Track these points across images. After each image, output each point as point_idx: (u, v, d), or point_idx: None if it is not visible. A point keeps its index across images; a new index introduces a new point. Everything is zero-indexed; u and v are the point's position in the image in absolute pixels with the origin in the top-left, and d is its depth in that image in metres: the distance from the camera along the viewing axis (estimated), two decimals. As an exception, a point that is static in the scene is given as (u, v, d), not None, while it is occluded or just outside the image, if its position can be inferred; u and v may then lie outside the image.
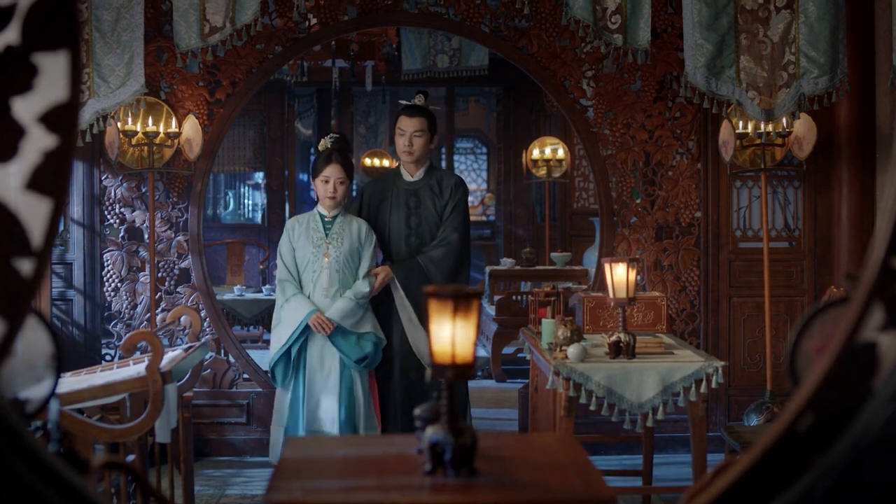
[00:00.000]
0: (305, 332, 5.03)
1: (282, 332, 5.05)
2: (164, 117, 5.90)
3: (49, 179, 1.60)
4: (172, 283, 6.12)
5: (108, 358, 6.00)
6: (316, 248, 5.07)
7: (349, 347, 5.03)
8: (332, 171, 5.06)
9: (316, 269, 5.07)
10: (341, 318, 5.01)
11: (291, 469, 2.30)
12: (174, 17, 5.55)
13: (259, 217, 13.04)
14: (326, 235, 5.09)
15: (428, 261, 5.17)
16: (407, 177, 5.32)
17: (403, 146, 5.23)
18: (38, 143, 1.61)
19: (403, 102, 5.41)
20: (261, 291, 8.18)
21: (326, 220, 5.13)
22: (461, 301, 2.27)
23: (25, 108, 1.61)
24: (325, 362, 5.04)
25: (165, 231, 6.10)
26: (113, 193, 6.08)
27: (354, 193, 9.48)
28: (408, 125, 5.23)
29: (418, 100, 5.33)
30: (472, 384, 6.05)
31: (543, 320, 4.71)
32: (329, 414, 5.00)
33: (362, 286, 5.07)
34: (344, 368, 5.03)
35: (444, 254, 5.18)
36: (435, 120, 5.31)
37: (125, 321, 6.06)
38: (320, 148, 5.18)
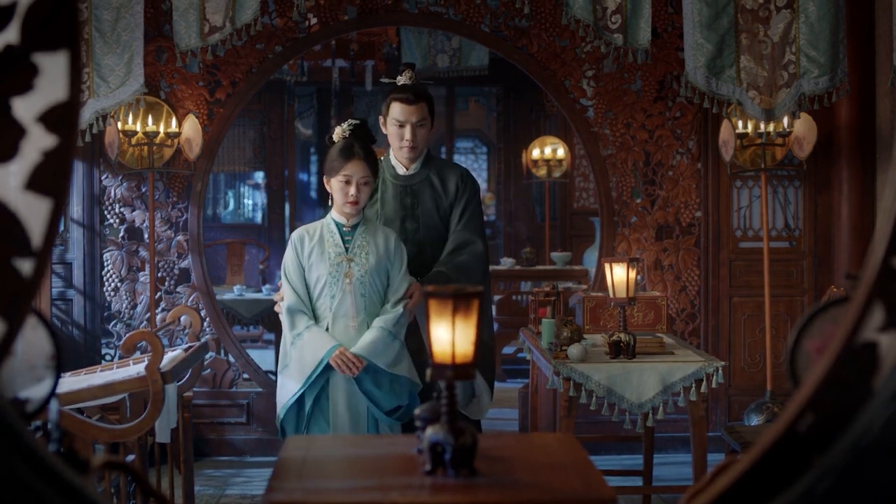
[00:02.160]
0: (325, 375, 3.95)
1: (292, 377, 3.96)
2: (164, 117, 5.90)
3: (49, 179, 1.60)
4: (172, 283, 6.12)
5: (108, 358, 6.00)
6: (335, 267, 3.99)
7: (381, 394, 3.96)
8: (353, 170, 3.99)
9: (335, 294, 3.98)
10: (373, 354, 3.92)
11: (291, 469, 2.30)
12: (174, 17, 5.55)
13: (259, 217, 13.05)
14: (347, 250, 4.02)
15: (456, 271, 4.21)
16: (401, 169, 4.42)
17: (405, 141, 4.33)
18: (38, 142, 1.61)
19: (386, 81, 4.54)
20: (261, 291, 8.18)
21: (345, 229, 4.06)
22: (461, 301, 2.27)
23: (25, 108, 1.61)
24: (355, 413, 3.95)
25: (165, 231, 6.10)
26: (113, 193, 6.08)
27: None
28: (408, 114, 4.30)
29: (407, 77, 4.37)
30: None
31: (543, 320, 4.71)
32: None
33: (396, 313, 3.99)
34: (375, 421, 3.99)
35: (470, 262, 4.25)
36: (433, 102, 4.43)
37: (125, 321, 6.06)
38: (335, 138, 4.11)
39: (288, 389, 3.97)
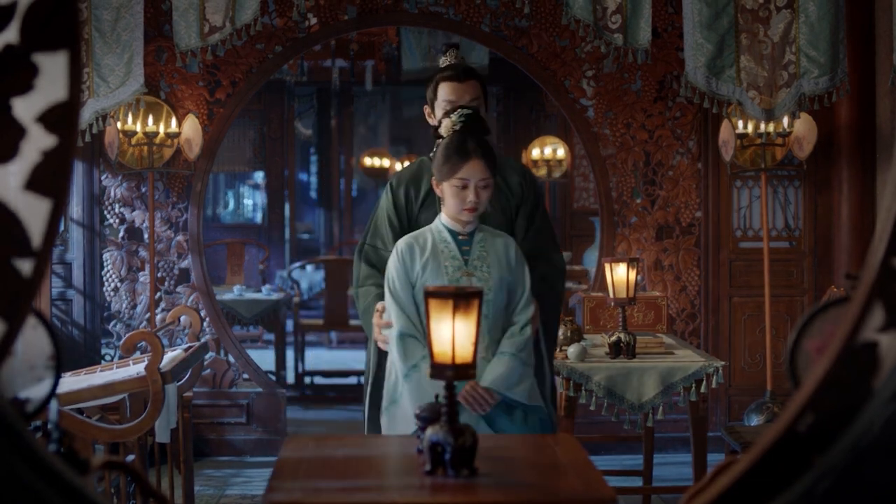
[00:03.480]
0: None
1: (406, 416, 3.21)
2: (163, 117, 5.90)
3: (49, 179, 1.60)
4: (172, 283, 6.12)
5: (107, 358, 6.00)
6: (453, 284, 3.28)
7: (517, 430, 3.31)
8: (471, 172, 3.30)
9: None
10: (507, 386, 3.26)
11: (291, 469, 2.30)
12: (174, 17, 5.55)
13: (259, 217, 13.05)
14: (466, 263, 3.35)
15: (540, 283, 3.50)
16: None
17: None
18: (38, 142, 1.61)
19: (426, 66, 3.67)
20: (260, 291, 8.19)
21: (461, 238, 3.39)
22: (461, 301, 2.27)
23: (25, 108, 1.61)
24: None
25: (165, 231, 6.10)
26: (113, 193, 6.08)
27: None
28: (460, 93, 3.62)
29: (451, 57, 3.76)
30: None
31: (543, 320, 4.70)
32: None
33: (525, 336, 3.32)
34: None
35: (554, 273, 3.61)
36: (485, 82, 3.77)
37: (125, 321, 6.06)
38: (443, 131, 3.40)
39: (402, 431, 3.24)
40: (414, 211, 3.65)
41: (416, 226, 3.59)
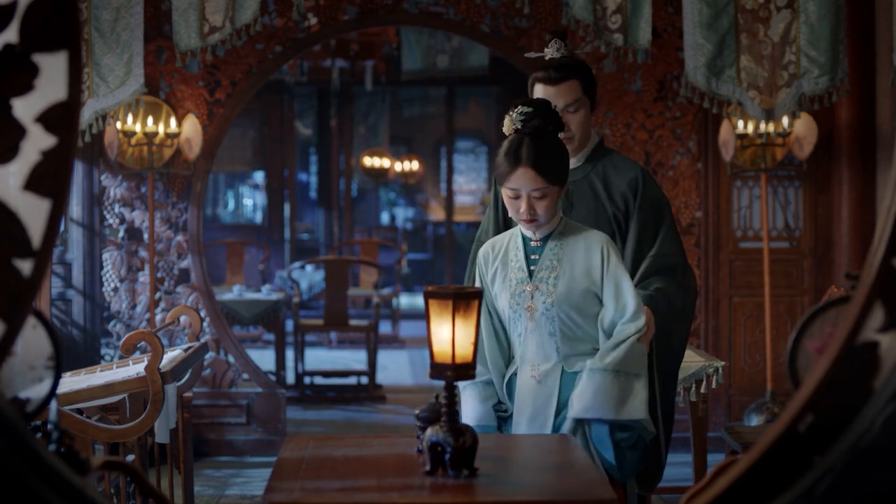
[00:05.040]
0: None
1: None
2: (163, 117, 5.90)
3: (49, 180, 1.60)
4: (172, 283, 6.12)
5: (107, 358, 6.00)
6: (514, 298, 2.98)
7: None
8: (521, 181, 2.90)
9: (520, 331, 2.98)
10: (605, 409, 2.87)
11: (291, 469, 2.30)
12: (174, 17, 5.55)
13: (259, 217, 13.06)
14: (531, 275, 2.98)
15: (656, 294, 3.21)
16: None
17: None
18: (37, 142, 1.61)
19: (533, 55, 3.59)
20: (260, 291, 8.19)
21: (532, 245, 3.02)
22: (461, 301, 2.27)
23: (25, 108, 1.61)
24: None
25: (165, 231, 6.10)
26: (112, 193, 6.08)
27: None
28: (553, 97, 3.20)
29: (554, 49, 3.33)
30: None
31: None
32: None
33: (619, 348, 2.93)
34: None
35: (673, 289, 3.30)
36: (592, 74, 3.33)
37: (125, 321, 6.06)
38: (505, 131, 2.98)
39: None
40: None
41: (505, 221, 3.35)
